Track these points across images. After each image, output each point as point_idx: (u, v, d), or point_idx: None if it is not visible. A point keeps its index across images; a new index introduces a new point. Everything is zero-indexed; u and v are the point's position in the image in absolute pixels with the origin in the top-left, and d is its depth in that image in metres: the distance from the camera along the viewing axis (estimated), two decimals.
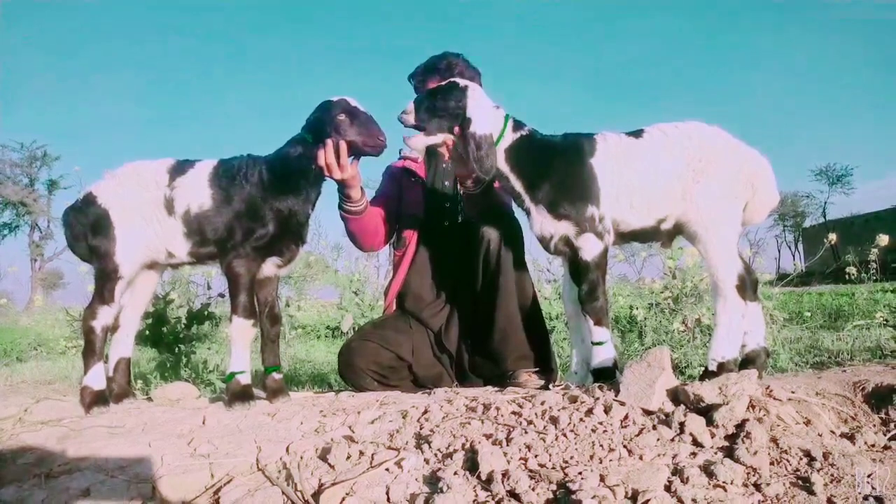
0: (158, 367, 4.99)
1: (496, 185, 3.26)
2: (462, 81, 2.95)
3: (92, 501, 1.99)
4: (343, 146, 2.95)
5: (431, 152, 3.85)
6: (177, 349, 5.03)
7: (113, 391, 3.15)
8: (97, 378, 3.04)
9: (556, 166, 2.89)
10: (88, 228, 3.08)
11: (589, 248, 2.82)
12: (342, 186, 3.30)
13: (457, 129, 2.89)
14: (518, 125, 2.97)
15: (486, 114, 2.88)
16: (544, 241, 2.94)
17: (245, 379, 2.96)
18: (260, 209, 2.98)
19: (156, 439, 2.43)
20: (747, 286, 2.82)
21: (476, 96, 2.91)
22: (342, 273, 9.23)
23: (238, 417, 2.71)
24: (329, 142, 2.94)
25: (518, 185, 2.94)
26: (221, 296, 5.57)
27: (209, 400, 3.21)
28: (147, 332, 4.87)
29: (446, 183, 3.78)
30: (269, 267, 3.10)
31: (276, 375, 3.13)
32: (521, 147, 2.91)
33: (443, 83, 2.96)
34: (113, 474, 2.15)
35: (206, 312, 5.16)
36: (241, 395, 2.92)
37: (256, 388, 3.05)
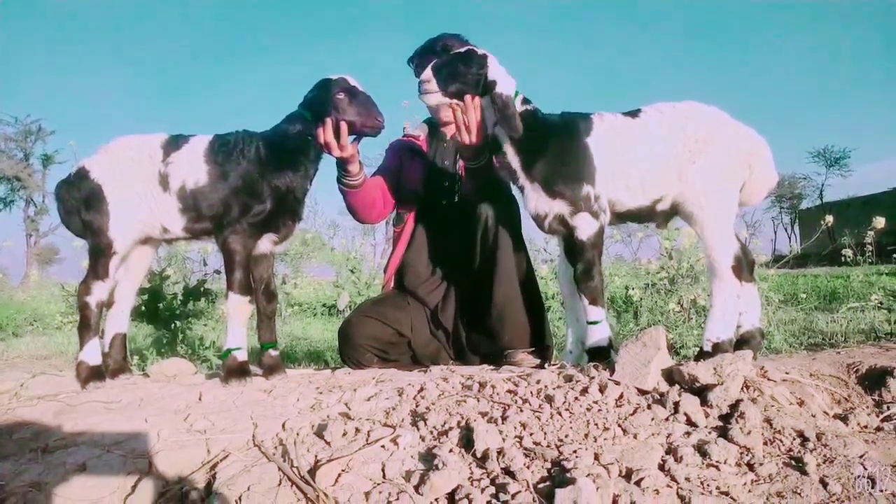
0: (155, 343, 4.99)
1: (495, 162, 3.24)
2: (480, 49, 2.94)
3: (88, 476, 2.00)
4: (343, 126, 2.94)
5: (434, 132, 3.84)
6: (173, 325, 5.03)
7: (109, 367, 3.15)
8: (93, 353, 3.04)
9: (552, 145, 2.88)
10: (82, 203, 3.06)
11: (584, 227, 2.81)
12: (341, 162, 3.29)
13: (468, 97, 2.89)
14: (525, 100, 2.96)
15: (505, 81, 2.88)
16: (539, 220, 2.93)
17: (241, 355, 2.96)
18: (257, 185, 2.95)
19: (152, 415, 2.43)
20: (743, 267, 2.82)
21: (495, 62, 2.91)
22: (338, 251, 9.24)
23: (234, 394, 2.72)
24: (328, 121, 2.92)
25: (515, 162, 2.93)
26: (218, 272, 5.56)
27: (205, 376, 3.21)
28: (143, 308, 4.87)
29: (446, 162, 3.77)
30: (266, 243, 3.08)
31: (273, 352, 3.13)
32: (525, 122, 2.90)
33: (461, 49, 2.94)
34: (109, 449, 2.15)
35: (202, 289, 5.15)
36: (237, 372, 2.92)
37: (253, 364, 3.05)
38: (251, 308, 3.03)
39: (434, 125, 3.88)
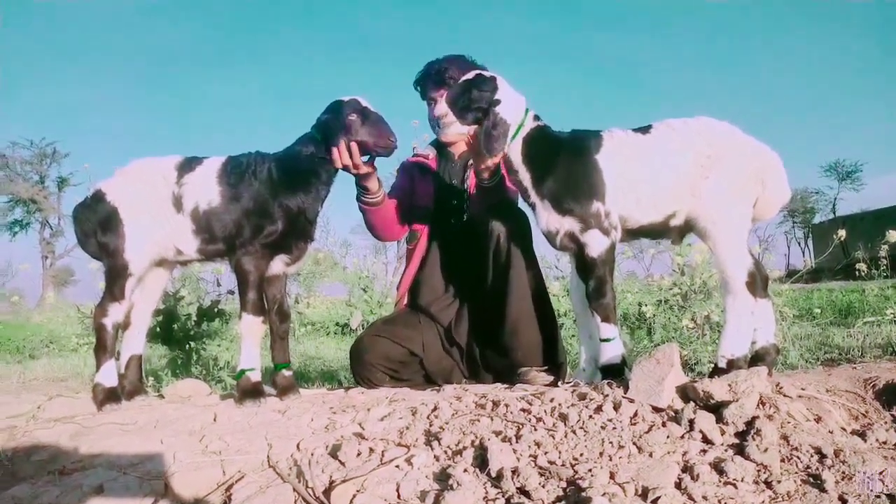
0: (169, 364, 5.02)
1: (507, 181, 3.27)
2: (489, 73, 2.97)
3: (105, 498, 2.01)
4: (354, 147, 2.98)
5: (442, 151, 3.88)
6: (187, 346, 5.06)
7: (125, 388, 3.17)
8: (109, 375, 3.06)
9: (562, 162, 2.90)
10: (98, 225, 3.10)
11: (595, 244, 2.81)
12: (359, 179, 3.34)
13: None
14: (536, 117, 2.99)
15: (512, 100, 2.92)
16: (550, 237, 2.94)
17: (255, 376, 2.97)
18: (269, 206, 2.98)
19: (168, 436, 2.45)
20: (757, 283, 2.81)
21: (504, 83, 2.94)
22: (350, 270, 9.26)
23: (249, 414, 2.73)
24: (342, 144, 2.96)
25: (526, 179, 2.94)
26: (231, 293, 5.59)
27: (220, 397, 3.23)
28: (157, 329, 4.90)
29: (454, 181, 3.80)
30: (278, 264, 3.10)
31: (286, 372, 3.13)
32: (536, 139, 2.93)
33: (470, 76, 2.97)
34: (125, 471, 2.17)
35: (216, 309, 5.19)
36: (251, 392, 2.93)
37: (266, 385, 3.06)
38: (264, 328, 3.05)
39: (441, 145, 3.91)
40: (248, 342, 2.98)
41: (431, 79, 3.65)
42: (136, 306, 3.26)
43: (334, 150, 2.98)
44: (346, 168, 3.05)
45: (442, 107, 2.93)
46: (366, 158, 3.12)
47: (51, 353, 9.40)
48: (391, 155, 3.03)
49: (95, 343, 3.10)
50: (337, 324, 10.57)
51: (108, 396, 3.01)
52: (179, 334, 5.01)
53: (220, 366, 5.06)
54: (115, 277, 3.08)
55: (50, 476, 2.19)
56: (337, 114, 2.99)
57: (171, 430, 2.55)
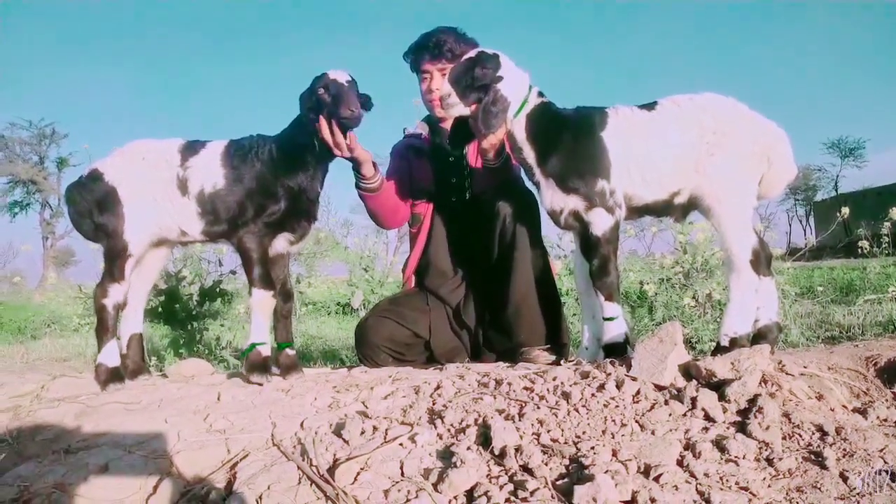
0: (172, 343, 5.04)
1: (513, 161, 3.24)
2: (490, 50, 2.93)
3: (110, 477, 2.02)
4: (333, 124, 2.93)
5: (435, 129, 3.82)
6: (189, 326, 5.07)
7: (128, 367, 3.18)
8: (111, 355, 3.07)
9: (567, 139, 2.87)
10: (94, 205, 3.09)
11: (599, 222, 2.80)
12: (354, 164, 3.30)
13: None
14: (539, 94, 2.96)
15: (515, 77, 2.89)
16: (554, 216, 2.93)
17: (266, 350, 3.00)
18: (271, 186, 3.00)
19: (172, 415, 2.46)
20: (761, 261, 2.80)
21: (507, 60, 2.90)
22: (352, 249, 9.25)
23: (252, 393, 2.74)
24: (321, 122, 2.93)
25: (531, 157, 2.92)
26: (233, 272, 5.60)
27: (227, 376, 3.24)
28: (160, 309, 4.91)
29: (451, 159, 3.75)
30: (282, 243, 3.12)
31: (290, 351, 3.15)
32: (540, 116, 2.90)
33: (472, 54, 2.92)
34: (130, 450, 2.18)
35: (217, 289, 5.19)
36: (259, 366, 2.97)
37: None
38: (274, 302, 3.07)
39: (434, 122, 3.85)
40: (258, 316, 3.01)
41: (429, 51, 3.55)
42: (133, 285, 3.25)
43: (318, 127, 2.95)
44: (332, 148, 2.98)
45: (445, 86, 2.89)
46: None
47: (52, 333, 9.44)
48: (356, 125, 2.93)
49: (97, 324, 3.10)
50: (338, 303, 10.60)
51: (111, 376, 3.02)
52: (182, 314, 5.03)
53: (223, 345, 5.07)
54: (115, 258, 3.07)
55: (55, 455, 2.20)
56: (308, 91, 2.97)
57: (175, 409, 2.56)
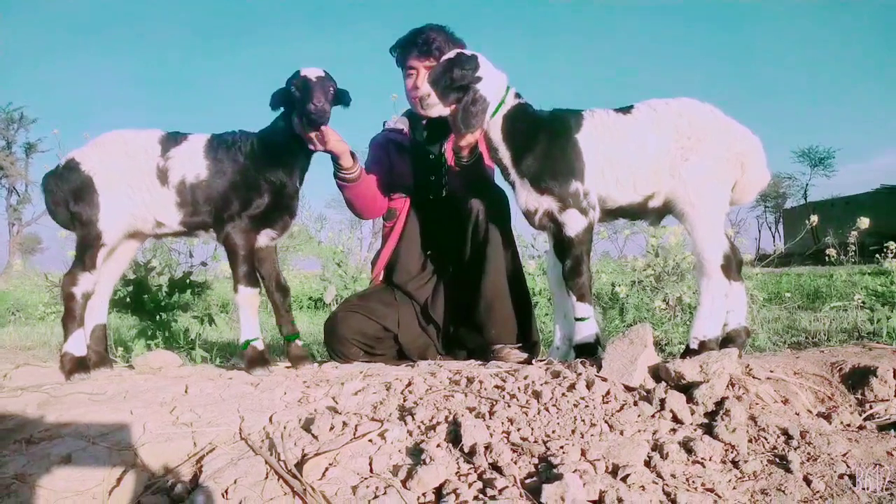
0: (139, 334, 4.95)
1: (486, 159, 3.25)
2: (469, 51, 2.93)
3: (73, 468, 1.98)
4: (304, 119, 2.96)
5: (416, 124, 3.81)
6: (158, 317, 4.99)
7: (90, 359, 3.13)
8: (78, 344, 3.02)
9: (542, 140, 2.89)
10: (70, 195, 3.05)
11: (572, 223, 2.82)
12: (333, 156, 3.29)
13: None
14: (517, 95, 2.97)
15: (493, 78, 2.89)
16: (529, 216, 2.95)
17: (260, 345, 3.06)
18: (255, 180, 3.03)
19: (137, 407, 2.42)
20: (732, 266, 2.84)
21: (485, 61, 2.90)
22: (325, 244, 9.20)
23: (220, 387, 2.71)
24: (296, 121, 2.98)
25: (506, 157, 2.93)
26: (204, 264, 5.53)
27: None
28: (128, 300, 4.83)
29: (430, 157, 3.75)
30: (264, 238, 3.15)
31: (299, 342, 3.23)
32: (516, 117, 2.91)
33: (451, 55, 2.92)
34: (94, 441, 2.14)
35: (187, 281, 5.11)
36: (259, 361, 3.02)
37: (235, 359, 3.07)
38: (260, 299, 3.11)
39: (415, 118, 3.85)
40: (246, 313, 3.05)
41: (418, 47, 3.54)
42: (101, 276, 3.21)
43: (296, 125, 2.99)
44: (310, 142, 3.04)
45: (425, 87, 2.88)
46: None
47: (17, 321, 9.25)
48: (323, 121, 2.93)
49: (64, 312, 3.05)
50: (311, 298, 10.52)
51: (76, 366, 2.97)
52: (150, 305, 4.94)
53: (192, 337, 5.01)
54: (87, 247, 3.03)
55: (17, 445, 2.15)
56: (284, 89, 2.99)
57: (141, 400, 2.52)
